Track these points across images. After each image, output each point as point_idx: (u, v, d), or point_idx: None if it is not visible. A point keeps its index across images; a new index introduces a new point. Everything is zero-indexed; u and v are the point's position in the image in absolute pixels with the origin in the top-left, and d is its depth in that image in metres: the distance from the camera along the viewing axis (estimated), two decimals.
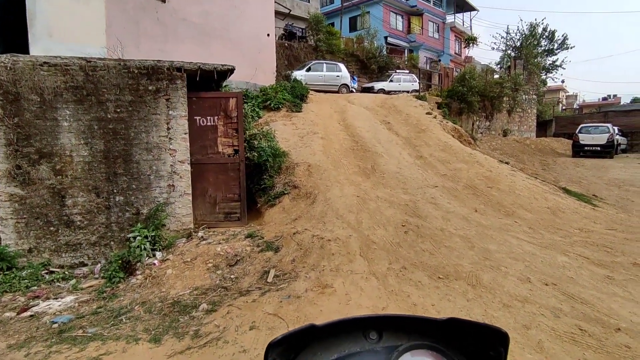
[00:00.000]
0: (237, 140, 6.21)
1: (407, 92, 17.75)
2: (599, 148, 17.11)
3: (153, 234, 5.25)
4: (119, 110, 5.43)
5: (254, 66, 11.89)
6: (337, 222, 5.20)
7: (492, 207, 6.23)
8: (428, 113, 11.90)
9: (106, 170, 5.41)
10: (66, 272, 5.06)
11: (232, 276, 4.32)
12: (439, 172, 7.61)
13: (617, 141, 18.93)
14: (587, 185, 10.02)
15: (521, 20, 64.53)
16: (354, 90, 17.42)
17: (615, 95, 62.45)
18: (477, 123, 17.74)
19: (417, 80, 19.02)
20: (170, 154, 5.61)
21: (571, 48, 35.37)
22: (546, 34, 34.80)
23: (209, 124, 6.10)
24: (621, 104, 53.42)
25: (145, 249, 5.05)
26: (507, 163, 9.63)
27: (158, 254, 5.12)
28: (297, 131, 8.90)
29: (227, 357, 2.91)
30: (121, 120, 5.44)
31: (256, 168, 6.86)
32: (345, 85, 16.31)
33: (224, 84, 7.41)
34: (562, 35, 34.25)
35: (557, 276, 3.96)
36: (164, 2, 10.03)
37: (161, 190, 5.59)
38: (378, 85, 18.25)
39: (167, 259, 4.95)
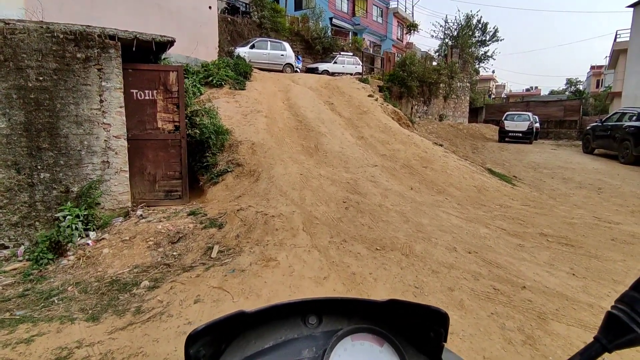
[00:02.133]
0: (177, 116, 5.99)
1: (351, 74, 18.06)
2: (520, 134, 18.85)
3: (85, 212, 4.96)
4: (41, 78, 4.96)
5: (195, 40, 11.34)
6: (281, 199, 5.30)
7: (426, 185, 6.71)
8: (370, 96, 12.27)
9: (28, 144, 4.95)
10: None
11: (174, 253, 4.26)
12: (378, 152, 7.98)
13: (537, 128, 20.97)
14: (509, 167, 11.07)
15: (459, 10, 67.80)
16: (298, 70, 17.35)
17: (536, 87, 68.68)
18: (416, 107, 18.62)
19: (361, 63, 19.38)
20: (104, 129, 5.27)
21: (501, 40, 38.04)
22: (480, 25, 36.98)
23: (147, 98, 5.80)
24: (541, 95, 58.98)
25: (77, 228, 4.76)
26: (441, 145, 10.32)
27: (92, 234, 4.87)
28: (240, 109, 8.74)
29: (172, 330, 2.93)
30: (45, 89, 4.98)
31: (198, 145, 6.69)
32: (290, 65, 16.19)
33: (163, 56, 7.04)
34: (494, 28, 36.66)
35: (479, 245, 4.44)
36: None
37: (94, 167, 5.26)
38: (322, 66, 18.34)
39: (103, 239, 4.73)
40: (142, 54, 5.91)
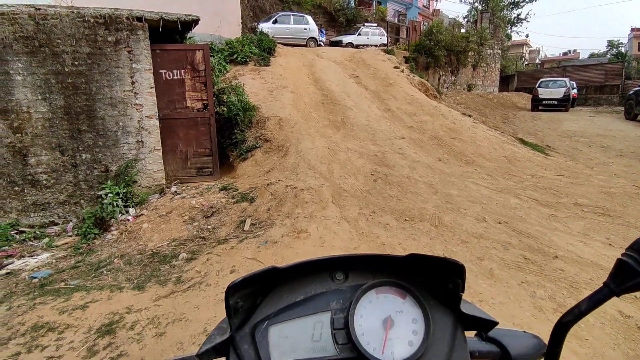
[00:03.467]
0: (205, 95, 6.11)
1: (376, 45, 17.57)
2: (555, 102, 17.92)
3: (124, 190, 5.23)
4: (76, 63, 5.16)
5: (218, 17, 11.32)
6: (310, 172, 5.38)
7: (455, 157, 6.60)
8: (396, 67, 11.97)
9: (69, 127, 5.22)
10: (37, 232, 5.02)
11: (209, 227, 4.46)
12: (406, 125, 7.86)
13: (574, 95, 19.86)
14: (542, 136, 10.66)
15: None
16: (322, 44, 17.04)
17: (574, 51, 64.46)
18: (443, 77, 18.02)
19: (385, 34, 18.77)
20: (136, 109, 5.47)
21: (535, 1, 35.69)
22: None
23: (175, 77, 5.93)
24: (580, 58, 55.41)
25: (117, 205, 5.05)
26: (469, 116, 10.02)
27: (131, 210, 5.14)
28: (266, 85, 8.77)
29: (210, 298, 3.12)
30: (80, 74, 5.19)
31: (227, 122, 6.82)
32: (313, 39, 15.92)
33: (188, 35, 7.12)
34: None
35: (509, 215, 4.38)
36: None
37: (130, 147, 5.50)
38: (346, 38, 17.91)
39: (142, 214, 4.99)
40: (168, 34, 6.00)
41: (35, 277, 3.77)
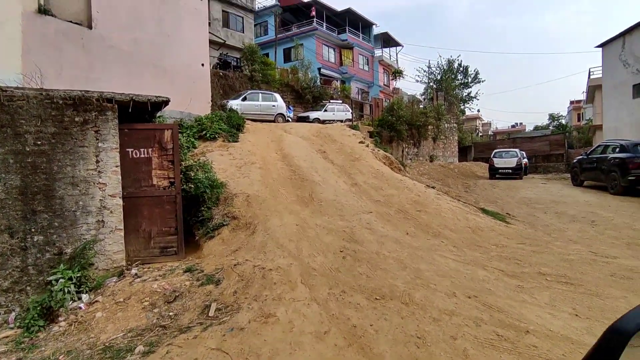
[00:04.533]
0: (172, 172, 6.09)
1: (341, 121, 18.62)
2: (510, 170, 19.25)
3: (79, 274, 4.88)
4: (39, 142, 5.07)
5: (189, 96, 11.75)
6: (278, 251, 5.28)
7: (422, 229, 6.74)
8: (361, 142, 12.59)
9: (23, 208, 4.96)
10: None
11: (170, 313, 4.16)
12: (372, 198, 8.07)
13: (525, 164, 21.47)
14: (502, 204, 11.18)
15: (440, 56, 71.63)
16: (290, 120, 17.85)
17: (521, 123, 71.03)
18: (406, 150, 19.08)
19: (350, 110, 20.05)
20: (99, 188, 5.33)
21: (482, 81, 39.95)
22: (461, 69, 38.96)
23: (142, 156, 5.93)
24: (526, 130, 60.90)
25: (69, 292, 4.66)
26: (433, 187, 10.47)
27: (85, 297, 4.75)
28: (234, 161, 8.89)
29: None
30: (42, 153, 5.08)
31: (193, 200, 6.73)
32: (282, 115, 16.68)
33: (158, 114, 7.28)
34: (474, 71, 38.63)
35: (478, 289, 4.41)
36: (91, 28, 9.66)
37: (89, 227, 5.25)
38: (313, 114, 18.92)
39: (96, 301, 4.62)
40: (138, 113, 6.11)
41: None
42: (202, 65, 13.13)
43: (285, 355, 3.20)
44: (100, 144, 5.38)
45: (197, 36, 12.93)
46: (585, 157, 14.97)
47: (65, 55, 9.06)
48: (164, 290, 4.52)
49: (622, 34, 19.91)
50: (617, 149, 12.81)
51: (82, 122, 5.28)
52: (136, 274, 5.15)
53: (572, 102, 53.33)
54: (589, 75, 28.17)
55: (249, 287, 4.46)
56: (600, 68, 23.42)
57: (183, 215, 6.21)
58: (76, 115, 5.26)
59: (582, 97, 38.14)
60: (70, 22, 9.29)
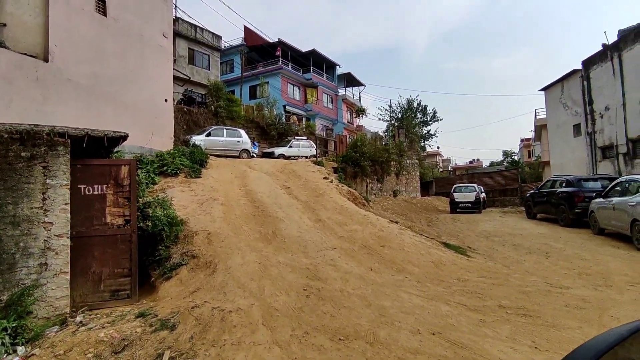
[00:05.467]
0: (128, 210, 5.80)
1: (306, 157, 18.81)
2: (469, 205, 20.02)
3: (14, 324, 4.40)
4: None
5: (150, 131, 11.51)
6: (239, 291, 5.05)
7: (386, 265, 6.74)
8: (325, 177, 12.70)
9: None
10: None
11: None
12: (337, 234, 8.03)
13: (484, 198, 22.44)
14: (463, 238, 11.48)
15: (400, 96, 75.38)
16: (255, 156, 17.83)
17: (478, 159, 74.97)
18: (370, 185, 19.43)
19: (315, 147, 20.35)
20: (44, 228, 4.94)
21: (440, 120, 42.18)
22: (420, 108, 41.04)
23: (96, 193, 5.62)
24: (483, 166, 64.27)
25: (3, 344, 4.18)
26: (396, 222, 10.62)
27: (20, 349, 4.27)
28: (196, 197, 8.65)
29: None
30: None
31: (150, 238, 6.41)
32: (246, 151, 16.63)
33: (117, 149, 7.03)
34: (433, 110, 40.83)
35: (442, 325, 4.39)
36: (47, 61, 9.37)
37: (29, 271, 4.81)
38: (278, 150, 19.01)
39: (33, 355, 4.15)
40: (94, 148, 5.86)
41: None
42: (166, 100, 13.00)
43: None
44: (48, 180, 5.06)
45: (161, 72, 12.88)
46: (537, 191, 15.89)
47: (16, 87, 8.67)
48: (111, 340, 4.15)
49: (561, 80, 21.92)
50: (564, 184, 13.71)
51: (28, 157, 4.97)
52: (81, 322, 4.71)
53: (522, 140, 57.13)
54: (535, 115, 30.56)
55: (206, 331, 4.20)
56: (545, 109, 25.48)
57: (139, 255, 5.86)
58: (22, 150, 4.95)
59: (531, 135, 41.04)
60: (25, 54, 8.98)
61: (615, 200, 9.85)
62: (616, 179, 11.53)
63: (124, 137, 5.92)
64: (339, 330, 4.17)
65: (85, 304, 5.25)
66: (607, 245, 9.34)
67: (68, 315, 4.92)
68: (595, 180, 13.50)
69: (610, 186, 10.73)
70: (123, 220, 5.75)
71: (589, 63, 19.18)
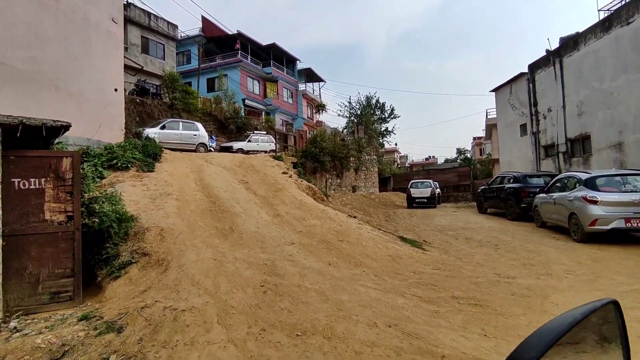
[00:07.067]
0: (71, 206, 5.38)
1: (265, 152, 18.56)
2: (425, 200, 20.72)
3: None
4: None
5: (98, 122, 10.81)
6: (193, 289, 4.86)
7: (344, 259, 6.78)
8: (284, 172, 12.59)
9: None
10: None
11: None
12: (295, 229, 7.97)
13: (439, 193, 23.29)
14: (419, 232, 11.83)
15: (359, 93, 76.32)
16: (212, 150, 17.33)
17: (433, 156, 77.83)
18: (330, 180, 19.53)
19: (274, 141, 20.12)
20: None
21: (398, 117, 43.19)
22: (379, 105, 41.79)
23: (32, 187, 5.16)
24: (438, 163, 66.81)
25: None
26: (355, 217, 10.74)
27: None
28: (148, 192, 8.23)
29: None
30: None
31: (97, 236, 6.00)
32: (203, 145, 16.13)
33: (58, 141, 6.51)
34: (390, 107, 41.71)
35: (398, 317, 4.47)
36: None
37: None
38: (237, 144, 18.61)
39: None
40: (30, 138, 5.38)
41: None
42: (116, 90, 12.26)
43: None
44: None
45: (111, 60, 12.11)
46: (487, 187, 16.72)
47: None
48: (49, 346, 3.83)
49: (510, 82, 23.16)
50: (512, 180, 14.53)
51: None
52: (15, 327, 4.32)
53: (474, 138, 59.99)
54: (487, 115, 32.15)
55: (157, 332, 3.99)
56: (495, 109, 26.84)
57: (83, 253, 5.47)
58: None
59: (482, 133, 43.13)
60: None
61: (555, 195, 10.56)
62: (556, 175, 12.38)
63: (66, 127, 5.48)
64: (297, 325, 4.12)
65: (20, 308, 4.82)
66: (548, 237, 10.01)
67: (1, 320, 4.49)
68: (539, 176, 14.43)
69: (551, 182, 11.49)
70: (65, 216, 5.33)
71: (534, 67, 20.38)
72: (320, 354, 3.55)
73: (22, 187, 5.11)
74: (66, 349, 3.77)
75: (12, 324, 4.44)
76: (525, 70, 21.24)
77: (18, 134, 5.00)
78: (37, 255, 5.09)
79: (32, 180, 5.16)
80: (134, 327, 4.16)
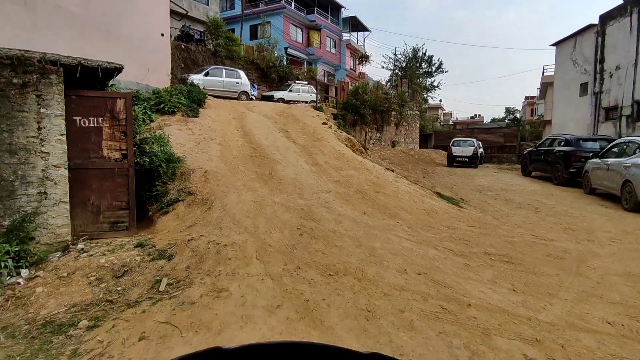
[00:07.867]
0: (125, 144, 5.79)
1: (306, 102, 18.46)
2: (467, 159, 20.08)
3: (17, 248, 4.57)
4: None
5: (146, 67, 11.14)
6: (234, 227, 5.22)
7: (379, 210, 6.90)
8: (324, 123, 12.58)
9: None
10: None
11: (118, 288, 4.02)
12: (332, 179, 8.13)
13: (481, 153, 22.44)
14: (457, 190, 11.66)
15: (406, 44, 72.18)
16: (254, 98, 17.47)
17: (479, 115, 73.91)
18: (369, 134, 19.30)
19: (315, 92, 19.89)
20: (41, 157, 4.97)
21: (445, 72, 40.84)
22: (426, 58, 39.52)
23: (92, 125, 5.58)
24: (484, 122, 63.56)
25: (6, 266, 4.37)
26: (392, 171, 10.71)
27: (24, 272, 4.48)
28: (193, 136, 8.61)
29: None
30: None
31: (148, 174, 6.46)
32: (245, 93, 16.27)
33: (111, 83, 6.85)
34: (438, 60, 39.33)
35: (428, 267, 4.60)
36: None
37: (29, 199, 4.90)
38: (278, 94, 18.59)
39: (37, 276, 4.36)
40: (87, 80, 5.72)
41: None
42: (162, 35, 12.46)
43: (235, 328, 3.20)
44: (42, 110, 4.99)
45: (157, 5, 12.21)
46: (535, 149, 15.87)
47: (4, 11, 8.25)
48: (112, 265, 4.35)
49: (574, 35, 21.01)
50: (562, 143, 13.68)
51: (21, 84, 4.86)
52: (82, 249, 4.91)
53: (527, 98, 56.01)
54: (543, 72, 29.69)
55: (202, 262, 4.39)
56: (554, 66, 24.68)
57: (136, 190, 5.95)
58: (14, 76, 4.82)
59: (536, 93, 40.13)
60: None
61: (610, 160, 9.89)
62: (615, 140, 11.49)
63: (119, 69, 5.75)
64: (330, 266, 4.37)
65: (85, 234, 5.42)
66: (596, 204, 9.54)
67: (69, 242, 5.10)
68: (594, 140, 13.45)
69: (607, 147, 10.72)
70: (120, 154, 5.76)
71: (607, 17, 18.26)
72: (351, 293, 3.79)
73: (83, 125, 5.53)
74: (126, 269, 4.27)
75: (80, 245, 5.03)
76: (595, 21, 19.10)
77: (77, 74, 5.33)
78: (97, 188, 5.61)
79: (91, 119, 5.56)
80: (182, 256, 4.59)
